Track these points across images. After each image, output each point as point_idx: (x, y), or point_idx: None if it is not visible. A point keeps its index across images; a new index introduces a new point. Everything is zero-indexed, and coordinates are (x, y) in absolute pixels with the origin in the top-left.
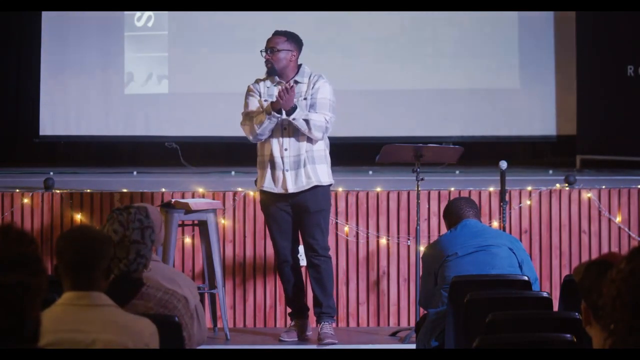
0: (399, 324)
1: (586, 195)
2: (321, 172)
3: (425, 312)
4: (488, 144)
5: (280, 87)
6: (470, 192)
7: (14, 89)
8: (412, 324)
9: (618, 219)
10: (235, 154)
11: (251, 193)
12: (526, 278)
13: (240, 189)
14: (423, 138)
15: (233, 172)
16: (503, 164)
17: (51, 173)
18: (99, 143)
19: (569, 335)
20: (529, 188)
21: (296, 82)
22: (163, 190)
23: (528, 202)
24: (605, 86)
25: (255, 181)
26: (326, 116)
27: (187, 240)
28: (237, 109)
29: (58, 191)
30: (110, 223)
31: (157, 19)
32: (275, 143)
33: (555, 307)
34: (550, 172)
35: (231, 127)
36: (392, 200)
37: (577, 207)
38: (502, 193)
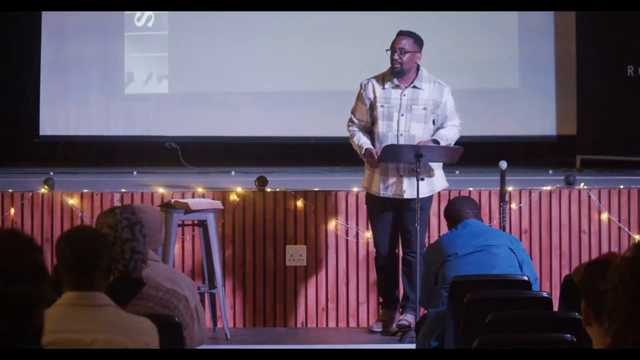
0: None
1: (586, 195)
2: (436, 179)
3: (425, 312)
4: (488, 144)
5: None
6: (470, 192)
7: (14, 89)
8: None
9: (618, 219)
10: (235, 154)
11: (251, 193)
12: (526, 278)
13: (240, 189)
14: None
15: (233, 172)
16: (503, 164)
17: (51, 173)
18: (99, 143)
19: (569, 335)
20: (529, 188)
21: (415, 87)
22: (163, 190)
23: (528, 202)
24: (605, 86)
25: (365, 181)
26: (455, 123)
27: (187, 240)
28: (237, 108)
29: (58, 191)
30: (98, 228)
31: (157, 19)
32: None
33: (555, 307)
34: (550, 172)
35: (231, 127)
36: None
37: (577, 207)
38: (502, 193)
